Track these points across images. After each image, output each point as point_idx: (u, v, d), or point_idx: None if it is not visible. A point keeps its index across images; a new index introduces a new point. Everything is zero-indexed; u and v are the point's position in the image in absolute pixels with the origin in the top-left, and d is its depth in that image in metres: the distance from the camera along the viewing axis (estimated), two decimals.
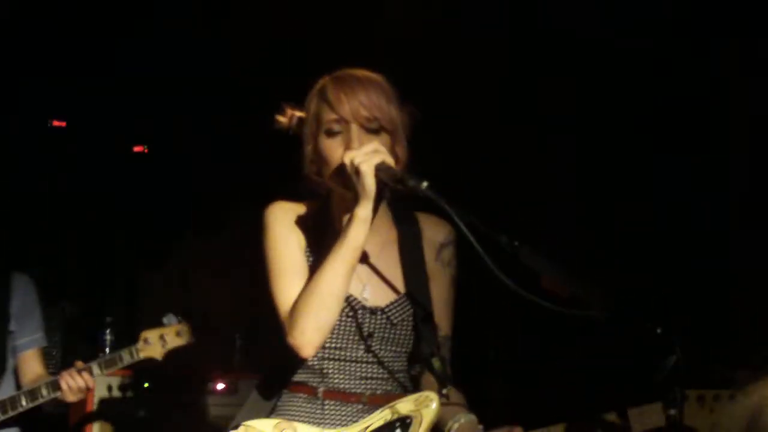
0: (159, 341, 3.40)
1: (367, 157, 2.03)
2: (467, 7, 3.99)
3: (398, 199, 2.25)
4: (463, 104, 4.20)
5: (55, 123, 4.60)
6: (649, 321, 1.85)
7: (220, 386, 4.22)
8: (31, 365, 3.56)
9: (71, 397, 3.35)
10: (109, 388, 3.95)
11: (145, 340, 3.41)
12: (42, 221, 3.88)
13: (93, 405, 4.03)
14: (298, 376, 2.25)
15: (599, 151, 3.98)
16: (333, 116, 2.15)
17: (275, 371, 2.32)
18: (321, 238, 2.25)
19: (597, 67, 3.93)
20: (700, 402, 2.08)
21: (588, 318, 1.89)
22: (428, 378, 2.30)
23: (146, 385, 3.86)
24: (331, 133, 2.16)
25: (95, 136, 4.69)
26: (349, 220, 2.08)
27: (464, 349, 2.36)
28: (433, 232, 2.33)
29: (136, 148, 4.85)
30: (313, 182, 2.24)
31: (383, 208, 2.28)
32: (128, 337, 3.49)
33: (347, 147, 2.12)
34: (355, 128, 2.13)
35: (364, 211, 2.06)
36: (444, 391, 2.16)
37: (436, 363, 2.20)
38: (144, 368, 3.49)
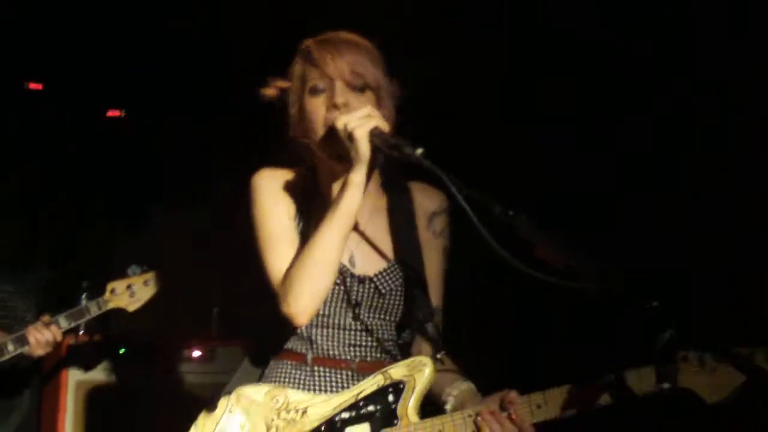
0: (126, 291, 3.40)
1: (362, 121, 2.00)
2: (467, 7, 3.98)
3: (390, 166, 2.22)
4: (463, 104, 4.18)
5: (31, 86, 4.58)
6: (645, 294, 1.82)
7: (197, 353, 4.18)
8: None
9: (39, 351, 3.34)
10: (85, 354, 3.90)
11: (112, 291, 3.42)
12: (16, 187, 3.84)
13: (67, 372, 4.00)
14: (287, 344, 2.23)
15: (599, 151, 3.95)
16: (316, 71, 2.14)
17: (264, 339, 2.31)
18: (309, 205, 2.24)
19: (597, 66, 3.91)
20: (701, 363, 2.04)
21: (582, 290, 1.86)
22: (419, 346, 2.29)
23: (122, 351, 3.84)
24: (315, 91, 2.15)
25: (71, 102, 4.65)
26: (343, 185, 2.06)
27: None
28: (425, 201, 2.32)
29: (111, 113, 4.81)
30: (298, 146, 2.22)
31: (375, 176, 2.26)
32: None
33: (330, 102, 2.11)
34: (339, 85, 2.12)
35: (358, 176, 2.03)
36: (438, 356, 2.15)
37: (429, 328, 2.18)
38: (121, 334, 3.46)
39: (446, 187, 1.90)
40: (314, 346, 2.20)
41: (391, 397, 2.10)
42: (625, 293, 1.85)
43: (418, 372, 2.11)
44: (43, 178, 4.60)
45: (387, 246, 2.26)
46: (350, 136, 2.00)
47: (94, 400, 4.00)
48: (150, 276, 3.44)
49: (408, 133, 2.12)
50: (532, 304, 3.72)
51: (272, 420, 2.12)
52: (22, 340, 3.33)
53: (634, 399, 2.05)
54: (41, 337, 3.31)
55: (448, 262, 2.34)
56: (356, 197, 2.05)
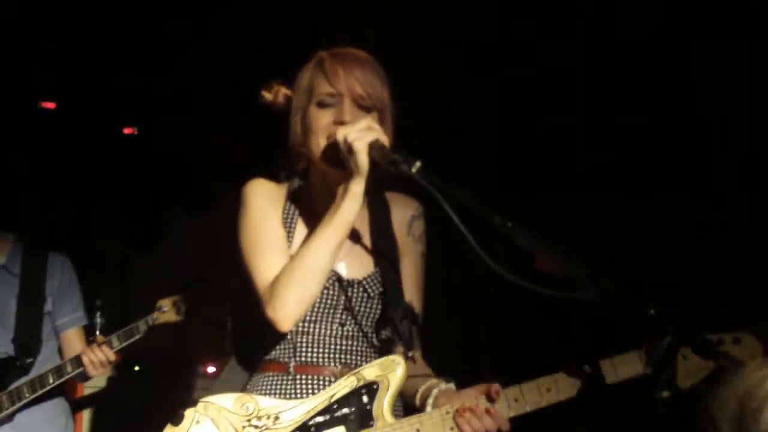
0: (173, 308, 3.43)
1: (361, 134, 2.01)
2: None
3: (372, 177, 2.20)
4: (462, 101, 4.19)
5: (44, 104, 4.61)
6: (644, 302, 1.83)
7: (211, 369, 4.18)
8: (72, 344, 3.58)
9: (94, 372, 3.38)
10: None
11: (160, 308, 3.44)
12: (30, 204, 3.86)
13: (83, 389, 4.04)
14: (269, 354, 2.22)
15: (601, 149, 3.94)
16: (328, 89, 2.15)
17: (247, 351, 2.29)
18: (296, 218, 2.26)
19: (596, 63, 3.91)
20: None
21: (582, 300, 1.87)
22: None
23: (136, 368, 3.84)
24: (322, 105, 2.16)
25: (84, 118, 4.68)
26: (342, 194, 2.07)
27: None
28: (402, 209, 2.35)
29: (126, 130, 4.84)
30: (296, 156, 2.24)
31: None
32: (119, 320, 3.50)
33: (337, 119, 2.12)
34: (348, 102, 2.14)
35: (357, 186, 2.04)
36: (410, 354, 2.13)
37: (402, 326, 2.18)
38: (134, 350, 3.49)
39: (441, 206, 1.89)
40: (297, 353, 2.18)
41: (365, 399, 2.06)
42: (624, 301, 1.86)
43: (391, 372, 2.07)
44: (55, 195, 4.63)
45: (370, 253, 2.27)
46: (350, 148, 2.01)
47: (109, 416, 4.01)
48: (199, 290, 3.50)
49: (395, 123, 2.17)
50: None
51: (243, 428, 2.07)
52: (79, 362, 3.38)
53: (605, 388, 2.05)
54: (95, 357, 3.34)
55: (425, 266, 2.36)
56: (354, 207, 2.07)
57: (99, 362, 3.36)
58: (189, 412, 2.12)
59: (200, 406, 2.12)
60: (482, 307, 4.11)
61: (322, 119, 2.15)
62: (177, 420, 2.10)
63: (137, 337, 3.41)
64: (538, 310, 3.36)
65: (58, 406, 3.58)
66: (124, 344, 3.41)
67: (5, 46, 4.09)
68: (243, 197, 2.26)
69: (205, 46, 4.22)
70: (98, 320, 3.54)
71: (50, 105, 4.61)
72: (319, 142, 2.15)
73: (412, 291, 2.29)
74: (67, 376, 3.40)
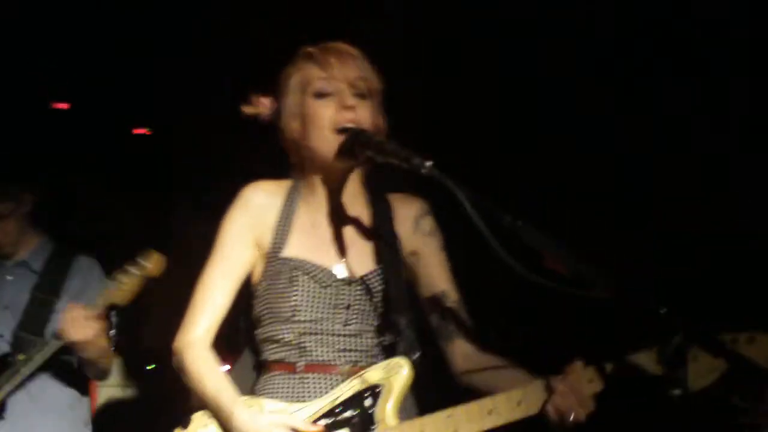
0: (153, 260, 3.29)
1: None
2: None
3: (374, 180, 2.28)
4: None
5: (56, 105, 4.63)
6: (654, 301, 1.83)
7: (225, 367, 4.18)
8: None
9: (73, 334, 3.20)
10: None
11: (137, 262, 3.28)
12: (42, 202, 3.90)
13: (97, 387, 4.06)
14: (276, 354, 2.23)
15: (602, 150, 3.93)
16: (322, 74, 2.16)
17: (255, 350, 2.33)
18: (295, 211, 2.28)
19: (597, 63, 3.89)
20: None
21: (592, 298, 1.87)
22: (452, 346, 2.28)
23: (149, 366, 3.85)
24: (320, 95, 2.17)
25: (96, 117, 4.69)
26: None
27: None
28: (405, 208, 2.35)
29: (137, 131, 4.85)
30: (292, 155, 2.27)
31: (359, 187, 2.31)
32: (134, 319, 3.48)
33: (341, 105, 2.14)
34: (345, 88, 2.15)
35: None
36: (414, 357, 2.11)
37: (408, 330, 2.17)
38: (148, 350, 3.49)
39: (456, 198, 1.89)
40: (305, 353, 2.18)
41: (368, 402, 2.06)
42: (635, 300, 1.86)
43: (395, 374, 2.06)
44: (67, 192, 4.65)
45: (372, 251, 2.27)
46: None
47: (122, 415, 4.04)
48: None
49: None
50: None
51: None
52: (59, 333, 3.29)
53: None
54: (69, 314, 3.21)
55: (448, 257, 2.36)
56: None
57: (72, 319, 3.19)
58: (196, 417, 2.14)
59: (199, 413, 2.15)
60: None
61: (324, 110, 2.16)
62: (185, 424, 2.13)
63: (113, 287, 3.23)
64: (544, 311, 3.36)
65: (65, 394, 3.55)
66: (106, 300, 3.24)
67: (15, 46, 4.11)
68: (234, 202, 2.30)
69: (217, 45, 4.22)
70: (113, 319, 3.49)
71: (63, 106, 4.62)
72: (326, 135, 2.16)
73: (443, 284, 2.30)
74: (52, 348, 3.28)
